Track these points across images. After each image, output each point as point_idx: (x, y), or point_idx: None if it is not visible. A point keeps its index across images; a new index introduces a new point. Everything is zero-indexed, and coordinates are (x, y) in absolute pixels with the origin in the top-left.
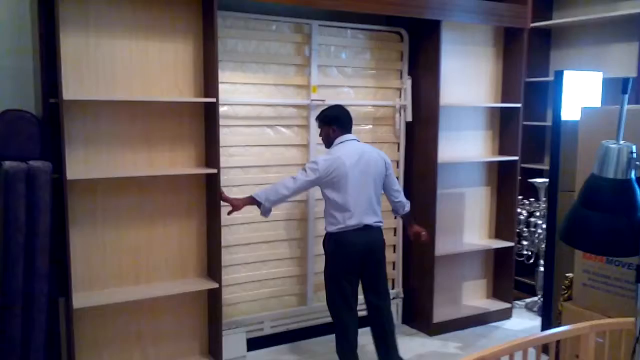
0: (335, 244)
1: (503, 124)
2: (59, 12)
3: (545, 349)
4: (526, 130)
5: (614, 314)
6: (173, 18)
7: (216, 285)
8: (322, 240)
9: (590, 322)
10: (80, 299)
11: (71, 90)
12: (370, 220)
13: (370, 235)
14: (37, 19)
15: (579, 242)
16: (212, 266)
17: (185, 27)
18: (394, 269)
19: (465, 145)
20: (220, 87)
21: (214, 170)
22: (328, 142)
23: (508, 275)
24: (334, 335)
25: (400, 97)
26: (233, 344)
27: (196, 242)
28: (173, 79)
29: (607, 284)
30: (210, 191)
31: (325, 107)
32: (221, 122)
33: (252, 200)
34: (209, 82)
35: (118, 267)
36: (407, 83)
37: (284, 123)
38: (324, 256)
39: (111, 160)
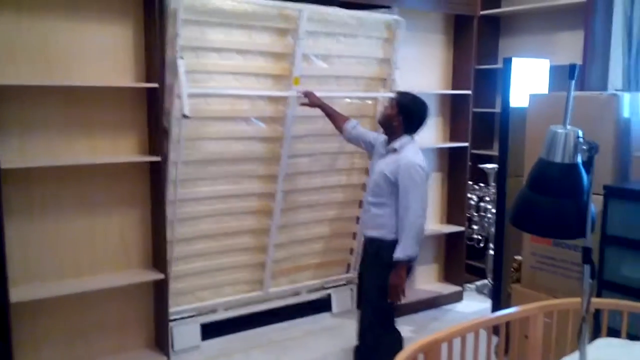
0: (390, 251)
1: (454, 110)
2: None
3: (495, 330)
4: (476, 116)
5: (561, 295)
6: None
7: (162, 276)
8: (364, 245)
9: (538, 303)
10: (17, 293)
11: (4, 74)
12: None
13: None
14: None
15: (527, 225)
16: (158, 257)
17: (125, 9)
18: (351, 254)
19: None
20: (196, 76)
21: (158, 158)
22: (386, 123)
23: (459, 259)
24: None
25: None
26: (186, 334)
27: (141, 233)
28: (113, 63)
29: (554, 266)
30: (154, 179)
31: (410, 93)
32: (194, 113)
33: None
34: (151, 67)
35: (58, 259)
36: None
37: (259, 115)
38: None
39: (49, 148)
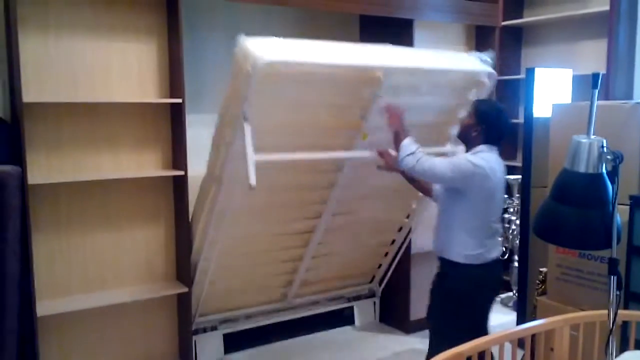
0: (468, 280)
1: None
2: (16, 13)
3: (520, 343)
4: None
5: (587, 307)
6: (136, 18)
7: (185, 290)
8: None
9: (564, 316)
10: (44, 306)
11: (32, 92)
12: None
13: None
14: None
15: (552, 236)
16: (182, 270)
17: (149, 27)
18: (378, 268)
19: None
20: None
21: (181, 173)
22: (465, 136)
23: None
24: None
25: None
26: (209, 346)
27: (164, 246)
28: (137, 79)
29: (580, 277)
30: (177, 193)
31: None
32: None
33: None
34: (174, 83)
35: (83, 273)
36: None
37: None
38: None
39: (74, 164)
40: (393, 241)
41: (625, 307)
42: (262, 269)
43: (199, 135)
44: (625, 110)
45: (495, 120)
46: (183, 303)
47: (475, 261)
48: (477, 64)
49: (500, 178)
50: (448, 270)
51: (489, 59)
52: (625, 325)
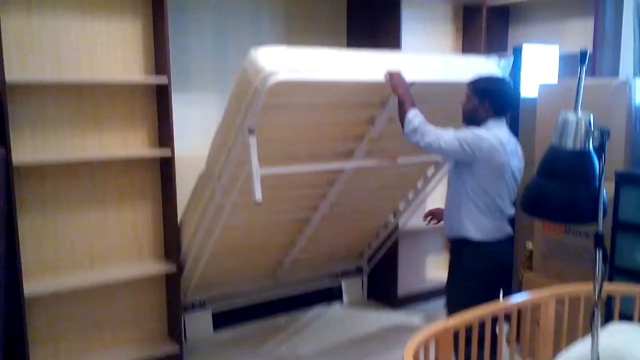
0: (476, 257)
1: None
2: None
3: (507, 317)
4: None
5: (572, 282)
6: None
7: (174, 269)
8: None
9: (550, 290)
10: (31, 286)
11: (15, 72)
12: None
13: (513, 251)
14: None
15: (539, 212)
16: (169, 249)
17: (133, 4)
18: (368, 247)
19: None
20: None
21: (168, 152)
22: (472, 119)
23: None
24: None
25: None
26: (198, 324)
27: (152, 225)
28: (122, 58)
29: (565, 253)
30: (164, 173)
31: (482, 75)
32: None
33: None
34: (159, 61)
35: (71, 253)
36: None
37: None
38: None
39: (60, 144)
40: (386, 224)
41: (610, 281)
42: (255, 252)
43: (186, 115)
44: (612, 88)
45: (497, 92)
46: (172, 282)
47: (489, 238)
48: (495, 70)
49: (512, 154)
50: (462, 248)
51: (506, 64)
52: (610, 299)
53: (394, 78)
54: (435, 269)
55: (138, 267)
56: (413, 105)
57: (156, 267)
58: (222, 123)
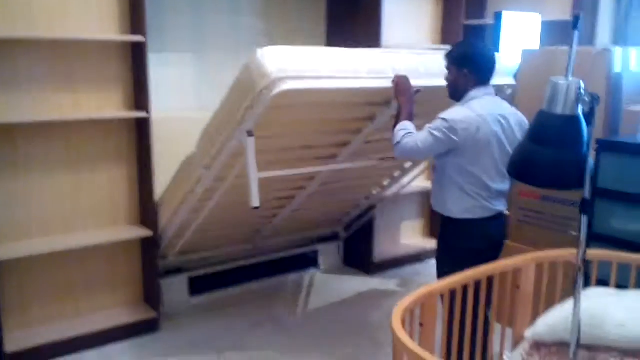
0: (460, 235)
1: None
2: None
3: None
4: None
5: (547, 248)
6: None
7: (150, 233)
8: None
9: (531, 254)
10: (3, 250)
11: None
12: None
13: (503, 228)
14: None
15: (525, 177)
16: (145, 213)
17: None
18: (347, 215)
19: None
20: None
21: (144, 114)
22: (456, 92)
23: None
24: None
25: None
26: (175, 290)
27: (127, 189)
28: (97, 15)
29: (541, 220)
30: (140, 135)
31: (458, 42)
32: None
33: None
34: (135, 19)
35: (44, 216)
36: None
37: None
38: None
39: (32, 104)
40: (368, 196)
41: (587, 247)
42: (237, 224)
43: (162, 75)
44: (592, 56)
45: (475, 57)
46: (147, 247)
47: (473, 216)
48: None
49: (495, 122)
50: (447, 224)
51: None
52: (587, 264)
53: (399, 85)
54: (411, 235)
55: (113, 231)
56: (409, 117)
57: (132, 231)
58: (217, 115)
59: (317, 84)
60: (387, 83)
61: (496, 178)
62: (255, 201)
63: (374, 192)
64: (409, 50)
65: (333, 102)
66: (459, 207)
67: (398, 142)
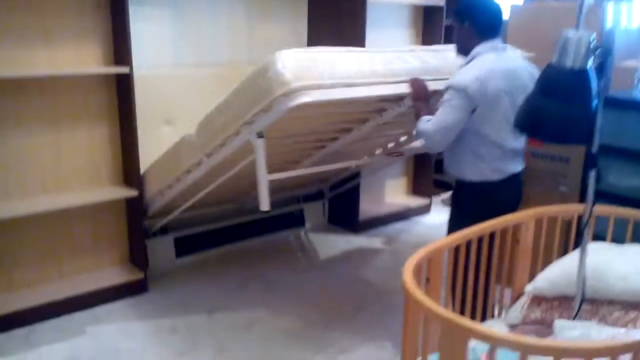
0: (474, 198)
1: (426, 23)
2: None
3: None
4: (449, 30)
5: (536, 205)
6: None
7: (134, 193)
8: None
9: (531, 210)
10: None
11: None
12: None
13: (518, 189)
14: None
15: (532, 130)
16: (129, 173)
17: None
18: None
19: (388, 43)
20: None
21: (126, 70)
22: (462, 48)
23: (427, 173)
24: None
25: None
26: (160, 250)
27: (109, 148)
28: None
29: (530, 176)
30: (122, 92)
31: None
32: None
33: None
34: None
35: (22, 177)
36: None
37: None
38: None
39: (6, 59)
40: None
41: (581, 202)
42: (229, 187)
43: (144, 29)
44: (584, 12)
45: (475, 8)
46: (132, 207)
47: (487, 178)
48: None
49: (503, 78)
50: (460, 188)
51: None
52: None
53: (415, 89)
54: (395, 194)
55: (96, 192)
56: (429, 114)
57: (116, 192)
58: (223, 110)
59: (336, 94)
60: (404, 88)
61: (509, 136)
62: (265, 205)
63: (366, 157)
64: (409, 50)
65: (348, 104)
66: (473, 170)
67: (423, 131)
